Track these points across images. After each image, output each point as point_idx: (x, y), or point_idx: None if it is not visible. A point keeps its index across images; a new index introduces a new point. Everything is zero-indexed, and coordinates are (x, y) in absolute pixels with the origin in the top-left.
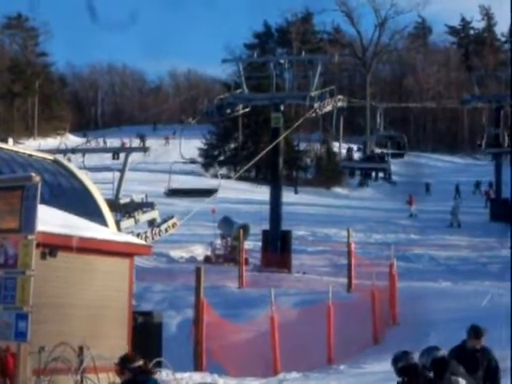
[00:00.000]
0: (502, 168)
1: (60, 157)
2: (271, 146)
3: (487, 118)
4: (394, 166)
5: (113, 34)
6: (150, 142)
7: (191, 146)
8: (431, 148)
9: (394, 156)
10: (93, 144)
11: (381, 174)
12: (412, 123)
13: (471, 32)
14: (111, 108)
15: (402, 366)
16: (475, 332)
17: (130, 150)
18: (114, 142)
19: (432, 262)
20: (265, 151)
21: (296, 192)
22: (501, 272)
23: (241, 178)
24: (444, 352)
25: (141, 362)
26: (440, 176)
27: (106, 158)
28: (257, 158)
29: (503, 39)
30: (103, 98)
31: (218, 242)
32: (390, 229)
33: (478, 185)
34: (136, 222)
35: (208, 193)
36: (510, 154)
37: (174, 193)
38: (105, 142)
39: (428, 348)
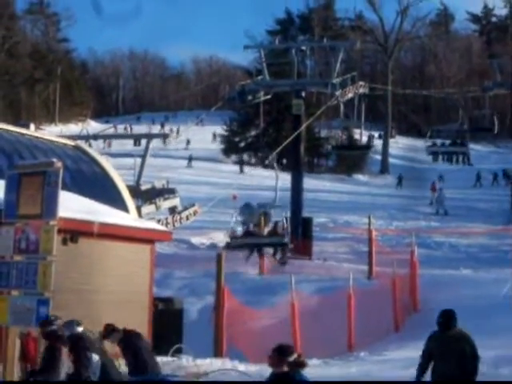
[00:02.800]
0: None
1: (81, 143)
2: (294, 135)
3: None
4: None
5: (132, 21)
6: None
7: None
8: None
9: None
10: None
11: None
12: (433, 110)
13: (493, 19)
14: (132, 94)
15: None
16: (444, 319)
17: (151, 136)
18: (135, 129)
19: (453, 249)
20: (288, 140)
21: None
22: None
23: (263, 165)
24: (82, 328)
25: (295, 355)
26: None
27: (127, 145)
28: (281, 147)
29: None
30: (124, 84)
31: (240, 228)
32: (410, 216)
33: (506, 174)
34: (157, 208)
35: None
36: None
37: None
38: (126, 129)
39: (69, 321)
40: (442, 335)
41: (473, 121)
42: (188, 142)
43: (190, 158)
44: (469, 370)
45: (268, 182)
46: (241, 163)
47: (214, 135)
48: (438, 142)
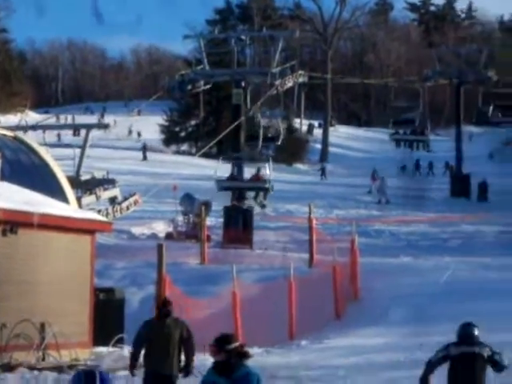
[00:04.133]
0: (462, 144)
1: (20, 133)
2: (234, 125)
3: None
4: (353, 141)
5: (72, 10)
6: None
7: (152, 123)
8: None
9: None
10: (58, 120)
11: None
12: (373, 99)
13: (431, 8)
14: (72, 84)
15: None
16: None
17: (90, 127)
18: (75, 119)
19: (393, 237)
20: (228, 129)
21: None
22: (461, 247)
23: (203, 155)
24: None
25: (237, 344)
26: (400, 152)
27: (66, 135)
28: (220, 136)
29: (463, 16)
30: (64, 74)
31: (180, 218)
32: (350, 205)
33: (447, 165)
34: (97, 198)
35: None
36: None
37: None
38: (66, 119)
39: None
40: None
41: (398, 112)
42: (139, 134)
43: (144, 148)
44: None
45: (208, 171)
46: (144, 149)
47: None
48: (401, 131)
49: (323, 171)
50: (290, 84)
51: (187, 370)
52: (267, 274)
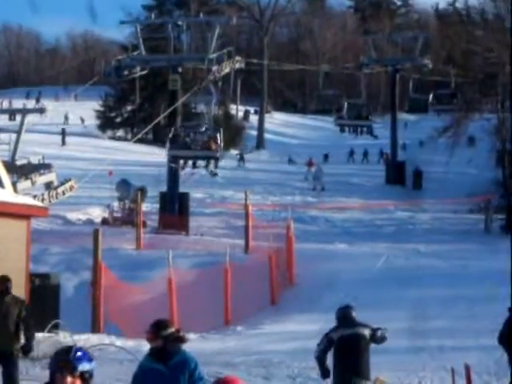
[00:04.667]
0: (397, 131)
1: None
2: (170, 110)
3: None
4: (289, 128)
5: None
6: (49, 104)
7: (88, 107)
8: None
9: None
10: None
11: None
12: (308, 86)
13: None
14: (6, 69)
15: None
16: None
17: (26, 111)
18: (12, 104)
19: (328, 224)
20: (164, 114)
21: None
22: (395, 234)
23: (138, 141)
24: None
25: (173, 329)
26: (336, 140)
27: (2, 119)
28: (156, 121)
29: (399, 3)
30: None
31: (116, 204)
32: (286, 191)
33: (381, 153)
34: (33, 183)
35: None
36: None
37: None
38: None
39: None
40: None
41: (320, 100)
42: (66, 117)
43: (63, 133)
44: None
45: (144, 157)
46: (63, 133)
47: (82, 120)
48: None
49: (241, 157)
50: (226, 70)
51: (26, 349)
52: (203, 259)
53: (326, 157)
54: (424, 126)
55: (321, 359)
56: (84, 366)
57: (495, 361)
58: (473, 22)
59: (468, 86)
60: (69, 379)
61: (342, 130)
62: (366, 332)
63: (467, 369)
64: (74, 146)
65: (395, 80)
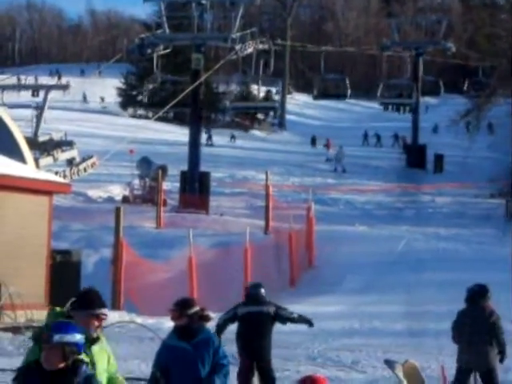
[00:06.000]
0: (418, 116)
1: None
2: (191, 88)
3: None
4: (312, 109)
5: None
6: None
7: (109, 85)
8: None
9: (335, 98)
10: (12, 81)
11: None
12: (331, 68)
13: None
14: (29, 45)
15: None
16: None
17: (49, 88)
18: (31, 80)
19: (348, 205)
20: (185, 92)
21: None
22: (416, 217)
23: (160, 119)
24: None
25: (198, 308)
26: (357, 122)
27: (25, 96)
28: (177, 99)
29: None
30: (21, 34)
31: (136, 182)
32: (307, 172)
33: (396, 136)
34: (55, 160)
35: None
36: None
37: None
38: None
39: None
40: None
41: (326, 86)
42: (84, 97)
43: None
44: None
45: (164, 135)
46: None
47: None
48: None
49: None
50: (250, 50)
51: None
52: (222, 239)
53: (365, 136)
54: (444, 110)
55: (220, 327)
56: (63, 338)
57: None
58: (497, 5)
59: (491, 71)
60: (47, 351)
61: (386, 109)
62: (271, 310)
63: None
64: (95, 123)
65: (418, 63)
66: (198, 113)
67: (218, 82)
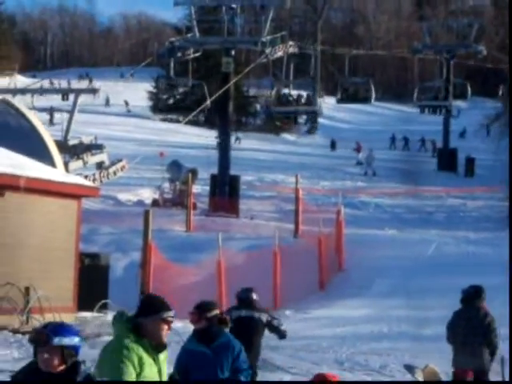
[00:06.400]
0: (450, 119)
1: (9, 97)
2: (221, 91)
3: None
4: (342, 112)
5: None
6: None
7: (140, 89)
8: (380, 96)
9: (359, 102)
10: (43, 85)
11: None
12: (361, 71)
13: None
14: (61, 49)
15: None
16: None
17: (79, 91)
18: (70, 84)
19: (378, 209)
20: (215, 96)
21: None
22: (446, 221)
23: (190, 123)
24: None
25: (217, 312)
26: (386, 125)
27: (55, 99)
28: (207, 103)
29: None
30: (53, 38)
31: (166, 185)
32: (337, 176)
33: (423, 140)
34: (84, 163)
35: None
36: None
37: None
38: (51, 83)
39: None
40: None
41: (347, 89)
42: (107, 101)
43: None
44: None
45: (195, 139)
46: (51, 111)
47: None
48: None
49: (333, 144)
50: (280, 53)
51: None
52: (252, 243)
53: (393, 140)
54: (474, 114)
55: None
56: (62, 340)
57: None
58: None
59: None
60: (45, 354)
61: (422, 111)
62: (263, 317)
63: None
64: (125, 126)
65: (449, 66)
66: (227, 116)
67: (248, 86)
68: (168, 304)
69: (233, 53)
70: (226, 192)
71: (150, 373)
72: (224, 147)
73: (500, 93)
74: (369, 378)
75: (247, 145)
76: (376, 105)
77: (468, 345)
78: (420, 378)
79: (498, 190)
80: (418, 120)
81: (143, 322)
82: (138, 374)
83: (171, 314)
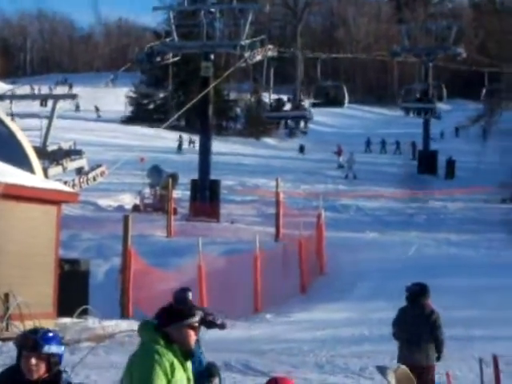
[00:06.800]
0: (430, 122)
1: None
2: (200, 96)
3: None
4: (324, 116)
5: None
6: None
7: (121, 95)
8: (361, 99)
9: (332, 105)
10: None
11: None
12: (342, 74)
13: None
14: (40, 55)
15: None
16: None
17: (57, 97)
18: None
19: (359, 212)
20: (194, 100)
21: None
22: (426, 223)
23: (170, 127)
24: None
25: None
26: (367, 128)
27: (34, 105)
28: (186, 107)
29: None
30: (32, 44)
31: (147, 190)
32: (318, 179)
33: (398, 144)
34: (64, 169)
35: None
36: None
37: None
38: (32, 89)
39: None
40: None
41: (321, 93)
42: (97, 109)
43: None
44: None
45: (173, 144)
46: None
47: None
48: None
49: (302, 149)
50: (259, 57)
51: None
52: (233, 247)
53: (368, 144)
54: (455, 116)
55: None
56: (51, 348)
57: None
58: (508, 11)
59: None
60: (33, 360)
61: (407, 113)
62: (198, 316)
63: (495, 359)
64: (105, 132)
65: (428, 69)
66: (207, 120)
67: (229, 90)
68: (193, 310)
69: (212, 57)
70: (206, 197)
71: (181, 379)
72: (204, 152)
73: (482, 95)
74: (349, 381)
75: (228, 149)
76: (357, 108)
77: (414, 341)
78: (392, 380)
79: (481, 192)
80: (398, 122)
81: (169, 330)
82: (169, 380)
83: (196, 319)
